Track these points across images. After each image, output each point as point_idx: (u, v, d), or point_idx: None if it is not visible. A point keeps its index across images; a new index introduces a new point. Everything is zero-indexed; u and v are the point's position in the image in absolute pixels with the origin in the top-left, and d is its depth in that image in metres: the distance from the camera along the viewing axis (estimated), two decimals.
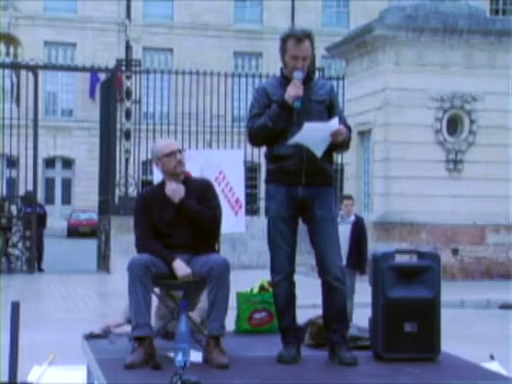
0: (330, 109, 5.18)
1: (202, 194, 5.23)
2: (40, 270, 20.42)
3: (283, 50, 5.12)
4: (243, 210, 10.71)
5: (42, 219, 20.97)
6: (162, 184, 5.27)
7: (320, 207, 5.10)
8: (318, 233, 5.10)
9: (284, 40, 5.11)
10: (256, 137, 5.15)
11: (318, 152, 5.01)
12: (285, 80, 5.14)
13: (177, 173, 5.21)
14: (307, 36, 5.08)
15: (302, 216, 5.16)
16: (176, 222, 5.12)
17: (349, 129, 5.17)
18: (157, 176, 7.69)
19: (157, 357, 4.79)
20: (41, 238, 20.84)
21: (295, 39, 5.05)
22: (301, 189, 5.08)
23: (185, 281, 5.01)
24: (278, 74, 5.37)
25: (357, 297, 10.61)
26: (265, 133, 5.08)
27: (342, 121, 5.15)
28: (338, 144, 5.09)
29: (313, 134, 4.95)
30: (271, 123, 5.04)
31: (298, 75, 5.04)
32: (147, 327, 4.87)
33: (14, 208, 20.67)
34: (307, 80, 5.12)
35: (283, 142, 5.04)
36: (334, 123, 5.03)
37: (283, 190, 5.09)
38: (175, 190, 5.15)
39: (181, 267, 4.97)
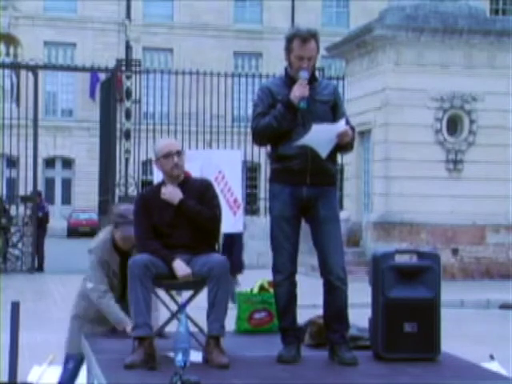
0: (333, 109, 5.16)
1: (203, 194, 5.21)
2: (40, 269, 20.39)
3: (288, 50, 5.09)
4: (241, 210, 10.72)
5: (41, 221, 20.89)
6: (162, 184, 5.26)
7: (323, 207, 5.09)
8: (321, 232, 5.09)
9: (289, 40, 5.07)
10: (260, 136, 5.13)
11: (323, 153, 5.00)
12: (289, 80, 5.11)
13: (173, 175, 5.17)
14: (313, 36, 5.05)
15: (305, 216, 5.15)
16: (176, 222, 5.11)
17: (353, 129, 5.16)
18: (157, 176, 7.68)
19: (157, 357, 4.79)
20: (40, 239, 20.76)
21: (301, 39, 5.02)
22: (305, 189, 5.06)
23: (185, 281, 5.00)
24: (280, 73, 5.35)
25: (357, 297, 10.59)
26: (269, 132, 5.06)
27: (347, 121, 5.14)
28: (343, 145, 5.09)
29: (320, 136, 4.94)
30: (276, 123, 5.01)
31: (304, 75, 5.01)
32: (147, 327, 4.86)
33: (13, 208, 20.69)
34: (312, 80, 5.10)
35: (288, 141, 5.03)
36: (341, 125, 5.02)
37: (288, 190, 5.07)
38: (172, 194, 5.12)
39: (181, 267, 4.96)
